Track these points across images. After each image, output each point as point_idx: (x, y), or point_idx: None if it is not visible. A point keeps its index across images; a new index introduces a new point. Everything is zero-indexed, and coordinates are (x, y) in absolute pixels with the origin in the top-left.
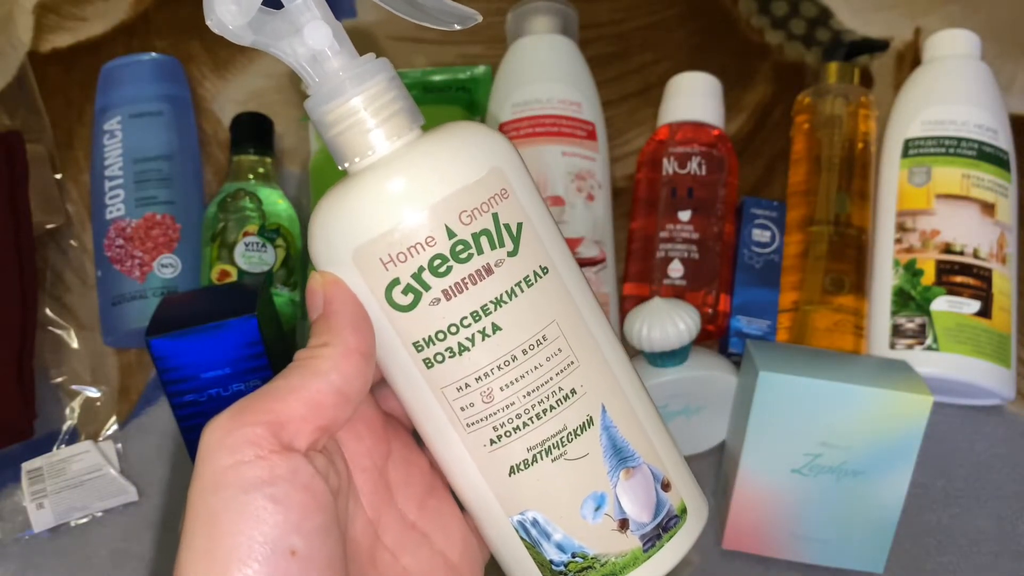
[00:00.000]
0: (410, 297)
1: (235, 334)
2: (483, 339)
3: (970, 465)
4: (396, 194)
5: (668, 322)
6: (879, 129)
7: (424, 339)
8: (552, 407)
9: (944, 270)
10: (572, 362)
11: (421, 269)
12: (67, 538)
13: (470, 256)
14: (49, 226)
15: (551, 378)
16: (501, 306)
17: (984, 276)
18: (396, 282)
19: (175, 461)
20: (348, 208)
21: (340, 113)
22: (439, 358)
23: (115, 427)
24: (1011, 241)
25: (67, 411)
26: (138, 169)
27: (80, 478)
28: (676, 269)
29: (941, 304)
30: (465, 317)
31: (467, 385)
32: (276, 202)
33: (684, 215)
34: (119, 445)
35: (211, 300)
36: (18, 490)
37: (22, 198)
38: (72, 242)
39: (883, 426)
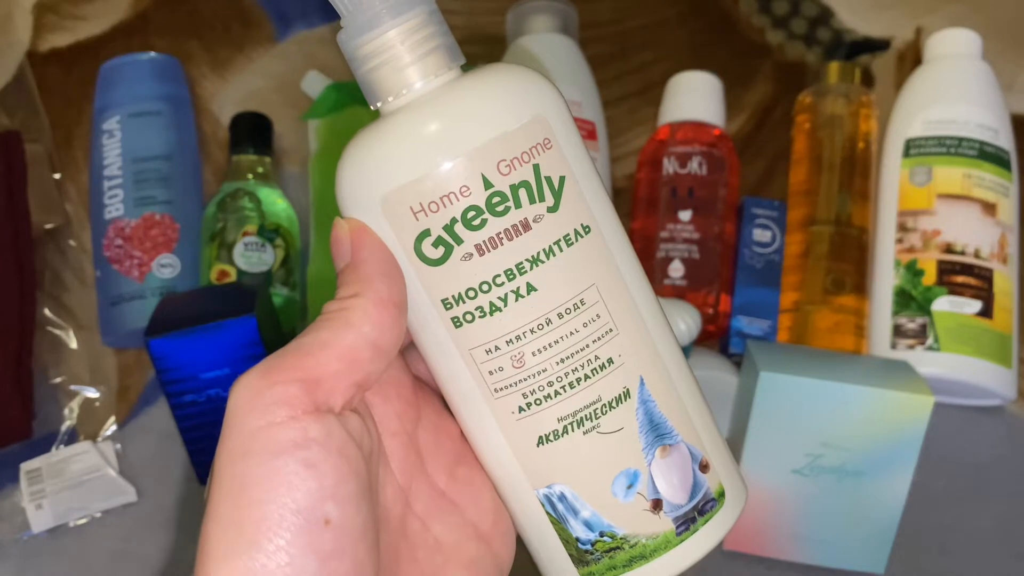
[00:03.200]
0: (441, 250)
1: (234, 334)
2: (516, 299)
3: (971, 465)
4: (430, 138)
5: (669, 322)
6: (880, 129)
7: (453, 296)
8: (587, 376)
9: (945, 270)
10: (611, 329)
11: (454, 221)
12: (66, 539)
13: (507, 209)
14: (48, 226)
15: (587, 345)
16: (537, 265)
17: (985, 276)
18: (426, 233)
19: (174, 461)
20: (378, 151)
21: (374, 47)
22: (468, 317)
23: (114, 427)
24: (1012, 241)
25: (66, 411)
26: (137, 169)
27: (79, 478)
28: (677, 269)
29: (942, 304)
30: (498, 275)
31: (497, 348)
32: (275, 202)
33: (685, 215)
34: (118, 445)
35: (210, 300)
36: (17, 491)
37: (21, 198)
38: (71, 242)
39: (884, 426)
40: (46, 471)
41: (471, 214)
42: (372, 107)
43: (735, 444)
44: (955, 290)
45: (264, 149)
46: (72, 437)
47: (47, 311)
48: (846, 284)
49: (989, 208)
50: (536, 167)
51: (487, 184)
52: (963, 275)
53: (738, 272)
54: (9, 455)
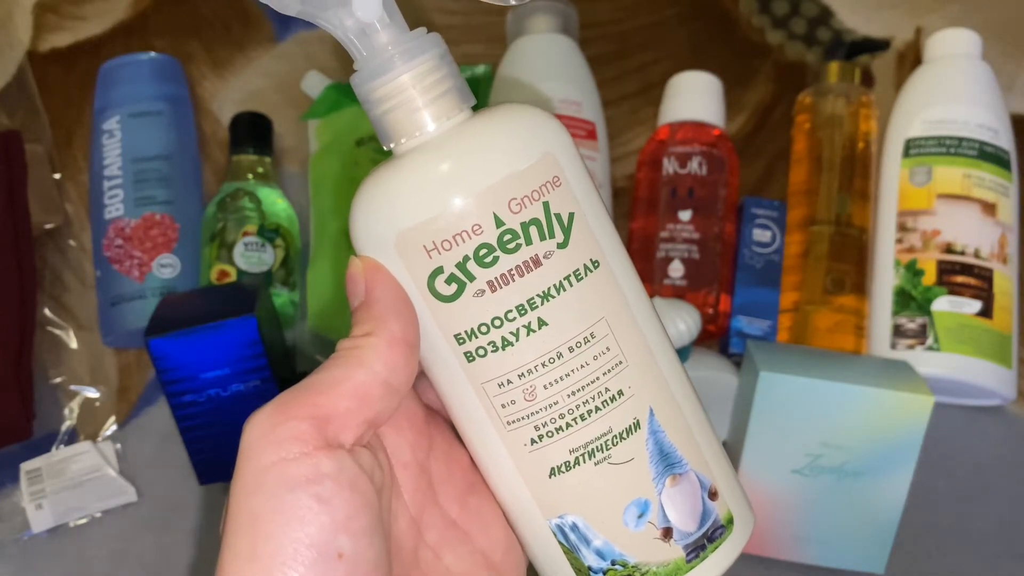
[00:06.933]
0: (453, 287)
1: (234, 334)
2: (528, 334)
3: (971, 465)
4: (443, 178)
5: (669, 322)
6: (880, 129)
7: (466, 332)
8: (597, 408)
9: (945, 270)
10: (620, 362)
11: (466, 258)
12: (66, 539)
13: (518, 246)
14: (48, 226)
15: (598, 378)
16: (548, 300)
17: (985, 276)
18: (440, 271)
19: (174, 462)
20: (392, 191)
21: (388, 90)
22: (481, 352)
23: (114, 427)
24: (1012, 241)
25: (66, 411)
26: (137, 169)
27: (79, 479)
28: (676, 269)
29: (942, 304)
30: (510, 310)
31: (509, 381)
32: (275, 202)
33: (684, 215)
34: (118, 445)
35: (210, 300)
36: (17, 491)
37: (21, 198)
38: (71, 242)
39: (884, 426)
40: (46, 471)
41: (483, 251)
42: (385, 148)
43: (735, 444)
44: (955, 290)
45: (264, 149)
46: (72, 437)
47: (47, 311)
48: (846, 284)
49: (989, 208)
50: (546, 204)
51: (498, 222)
52: (963, 275)
53: (738, 272)
54: (9, 455)
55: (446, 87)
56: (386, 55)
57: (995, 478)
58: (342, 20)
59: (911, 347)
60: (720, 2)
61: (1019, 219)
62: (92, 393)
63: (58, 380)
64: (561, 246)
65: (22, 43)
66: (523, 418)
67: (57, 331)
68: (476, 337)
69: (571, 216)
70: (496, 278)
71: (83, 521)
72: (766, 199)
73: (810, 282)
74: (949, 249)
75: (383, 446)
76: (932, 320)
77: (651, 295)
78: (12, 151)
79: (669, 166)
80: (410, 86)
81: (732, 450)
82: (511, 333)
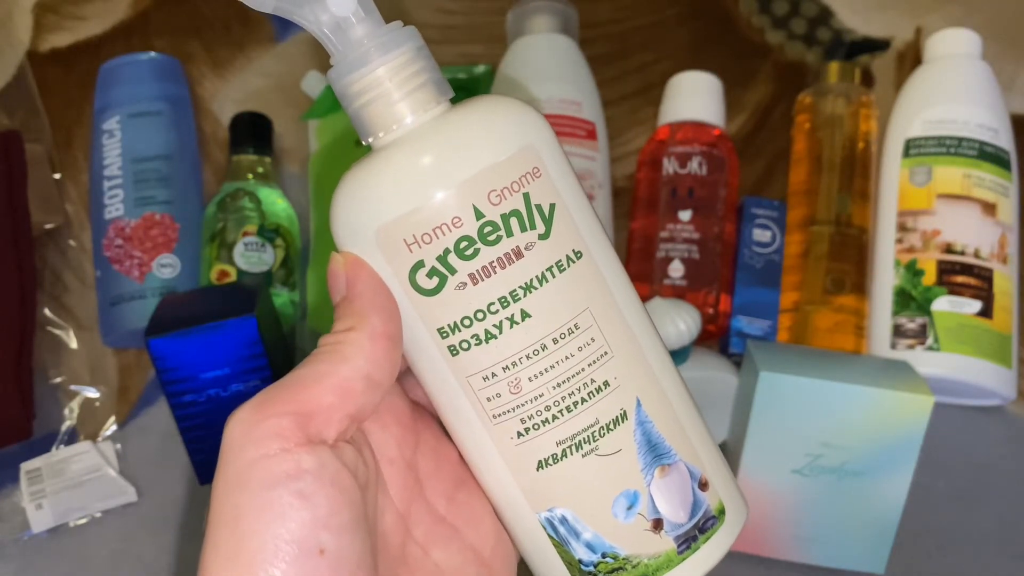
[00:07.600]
0: (435, 281)
1: (234, 334)
2: (511, 326)
3: (971, 465)
4: (422, 172)
5: (669, 322)
6: (880, 129)
7: (449, 325)
8: (583, 399)
9: (945, 270)
10: (605, 352)
11: (447, 251)
12: (66, 539)
13: (499, 238)
14: (48, 226)
15: (583, 369)
16: (531, 292)
17: (985, 276)
18: (420, 264)
19: (174, 461)
20: (371, 186)
21: (364, 84)
22: (465, 345)
23: (114, 427)
24: (1012, 241)
25: (66, 411)
26: (137, 169)
27: (79, 478)
28: (676, 269)
29: (942, 304)
30: (493, 303)
31: (494, 375)
32: (275, 202)
33: (684, 215)
34: (118, 445)
35: (210, 300)
36: (17, 490)
37: (21, 198)
38: (71, 242)
39: (884, 426)
40: (46, 471)
41: (464, 244)
42: (364, 142)
43: (735, 444)
44: (955, 290)
45: (264, 149)
46: (72, 437)
47: (47, 311)
48: (846, 284)
49: (989, 208)
50: (526, 196)
51: (478, 214)
52: (963, 275)
53: (738, 272)
54: (9, 455)
55: (423, 79)
56: (362, 49)
57: (995, 478)
58: (317, 15)
59: (911, 347)
60: (720, 2)
61: (1019, 219)
62: (92, 393)
63: (58, 380)
64: (543, 237)
65: (22, 43)
66: (509, 411)
67: (57, 331)
68: (459, 330)
69: (552, 207)
70: (478, 271)
71: (83, 521)
72: (766, 199)
73: (810, 282)
74: (949, 249)
75: (368, 442)
76: (932, 320)
77: (651, 295)
78: (12, 151)
79: (669, 166)
80: (387, 79)
81: (732, 450)
82: (494, 326)
